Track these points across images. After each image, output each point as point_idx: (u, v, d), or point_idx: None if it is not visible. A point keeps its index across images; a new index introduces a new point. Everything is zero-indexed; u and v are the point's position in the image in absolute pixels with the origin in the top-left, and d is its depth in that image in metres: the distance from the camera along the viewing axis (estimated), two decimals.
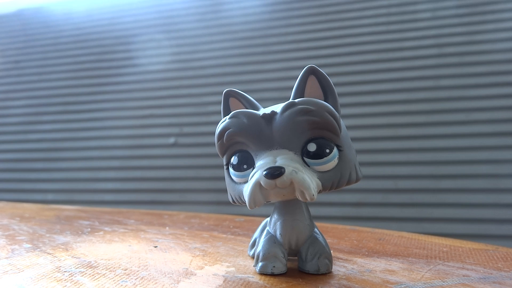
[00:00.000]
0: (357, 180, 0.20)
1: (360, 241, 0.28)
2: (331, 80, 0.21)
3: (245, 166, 0.20)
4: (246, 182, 0.20)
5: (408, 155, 0.92)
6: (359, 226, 0.35)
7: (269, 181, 0.18)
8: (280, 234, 0.21)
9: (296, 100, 0.19)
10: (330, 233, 0.32)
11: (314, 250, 0.20)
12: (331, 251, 0.21)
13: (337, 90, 0.21)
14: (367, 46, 1.02)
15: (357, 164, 0.20)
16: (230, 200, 0.21)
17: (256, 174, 0.19)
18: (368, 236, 0.30)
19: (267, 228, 0.22)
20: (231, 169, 0.20)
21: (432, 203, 0.88)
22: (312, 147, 0.19)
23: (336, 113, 0.19)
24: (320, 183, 0.19)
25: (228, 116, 0.20)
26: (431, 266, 0.22)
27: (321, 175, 0.19)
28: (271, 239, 0.21)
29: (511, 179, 0.86)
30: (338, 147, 0.19)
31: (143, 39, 1.21)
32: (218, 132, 0.20)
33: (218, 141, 0.20)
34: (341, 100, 0.21)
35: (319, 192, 0.19)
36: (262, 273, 0.20)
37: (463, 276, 0.20)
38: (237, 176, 0.20)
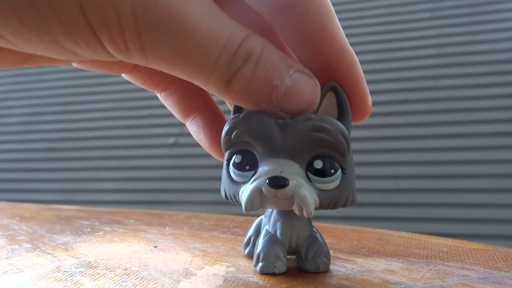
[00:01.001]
0: (352, 203, 0.20)
1: (360, 241, 0.28)
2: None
3: (247, 167, 0.20)
4: (245, 182, 0.20)
5: (408, 155, 0.92)
6: (359, 226, 0.35)
7: (271, 190, 0.18)
8: (280, 233, 0.21)
9: (313, 115, 0.19)
10: (330, 233, 0.32)
11: (314, 249, 0.20)
12: (331, 251, 0.21)
13: None
14: (367, 46, 1.02)
15: (355, 188, 0.20)
16: (223, 195, 0.21)
17: (259, 179, 0.18)
18: (368, 236, 0.30)
19: (267, 227, 0.22)
20: (232, 167, 0.20)
21: (432, 203, 0.88)
22: (318, 164, 0.19)
23: (348, 136, 0.19)
24: (318, 201, 0.19)
25: (241, 114, 0.19)
26: (431, 266, 0.22)
27: (321, 193, 0.19)
28: (272, 239, 0.21)
29: (511, 179, 0.86)
30: (343, 169, 0.19)
31: None
32: (227, 127, 0.20)
33: (225, 136, 0.20)
34: None
35: (315, 209, 0.19)
36: (263, 273, 0.20)
37: (463, 276, 0.20)
38: (237, 175, 0.20)
